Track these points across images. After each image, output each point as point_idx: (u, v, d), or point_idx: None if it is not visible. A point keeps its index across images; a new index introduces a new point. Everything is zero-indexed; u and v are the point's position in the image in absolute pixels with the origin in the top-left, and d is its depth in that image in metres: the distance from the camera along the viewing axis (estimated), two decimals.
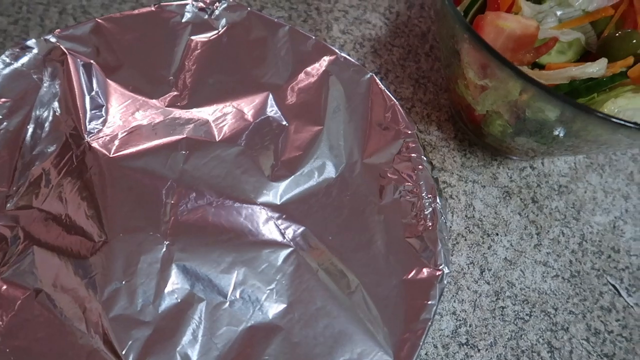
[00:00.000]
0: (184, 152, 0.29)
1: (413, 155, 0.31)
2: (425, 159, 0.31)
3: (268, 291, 0.27)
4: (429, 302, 0.28)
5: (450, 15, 0.26)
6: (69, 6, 0.40)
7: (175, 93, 0.30)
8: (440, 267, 0.29)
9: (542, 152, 0.35)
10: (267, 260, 0.27)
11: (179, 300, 0.26)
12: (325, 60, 0.33)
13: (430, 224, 0.29)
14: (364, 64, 0.41)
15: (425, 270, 0.29)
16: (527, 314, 0.33)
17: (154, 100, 0.30)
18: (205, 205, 0.28)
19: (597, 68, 0.30)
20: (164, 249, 0.26)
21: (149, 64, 0.30)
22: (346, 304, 0.27)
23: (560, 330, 0.33)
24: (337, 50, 0.33)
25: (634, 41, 0.32)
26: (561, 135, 0.30)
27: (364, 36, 0.42)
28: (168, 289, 0.26)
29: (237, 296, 0.26)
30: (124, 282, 0.25)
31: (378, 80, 0.33)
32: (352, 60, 0.33)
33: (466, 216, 0.36)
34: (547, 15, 0.35)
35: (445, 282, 0.28)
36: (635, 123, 0.23)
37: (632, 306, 0.34)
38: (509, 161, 0.39)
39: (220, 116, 0.30)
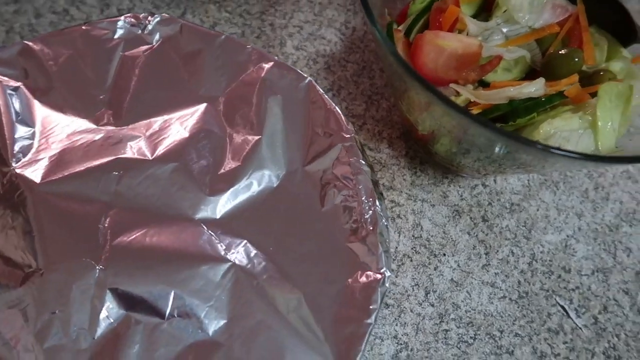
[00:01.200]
0: (116, 173, 0.28)
1: (352, 159, 0.31)
2: (364, 162, 0.31)
3: (207, 308, 0.26)
4: (371, 307, 0.27)
5: (377, 37, 0.26)
6: (17, 25, 0.39)
7: (109, 112, 0.30)
8: (382, 270, 0.28)
9: (493, 171, 0.35)
10: (206, 277, 0.27)
11: (115, 325, 0.25)
12: (263, 67, 0.32)
13: (371, 227, 0.29)
14: (316, 81, 0.41)
15: (366, 275, 0.28)
16: (471, 337, 0.32)
17: (85, 121, 0.29)
18: (140, 226, 0.27)
19: (534, 88, 0.29)
20: (97, 274, 0.26)
21: (81, 84, 0.30)
22: (287, 315, 0.27)
23: (505, 354, 0.32)
24: (274, 57, 0.33)
25: (576, 59, 0.32)
26: (503, 153, 0.30)
27: (318, 52, 0.42)
28: (103, 314, 0.25)
29: (175, 315, 0.26)
30: (57, 312, 0.25)
31: (317, 85, 0.33)
32: (290, 66, 0.33)
33: (413, 236, 0.35)
34: (494, 32, 0.34)
35: (387, 285, 0.28)
36: (558, 148, 0.23)
37: (580, 328, 0.34)
38: (460, 179, 0.38)
39: (155, 132, 0.30)
